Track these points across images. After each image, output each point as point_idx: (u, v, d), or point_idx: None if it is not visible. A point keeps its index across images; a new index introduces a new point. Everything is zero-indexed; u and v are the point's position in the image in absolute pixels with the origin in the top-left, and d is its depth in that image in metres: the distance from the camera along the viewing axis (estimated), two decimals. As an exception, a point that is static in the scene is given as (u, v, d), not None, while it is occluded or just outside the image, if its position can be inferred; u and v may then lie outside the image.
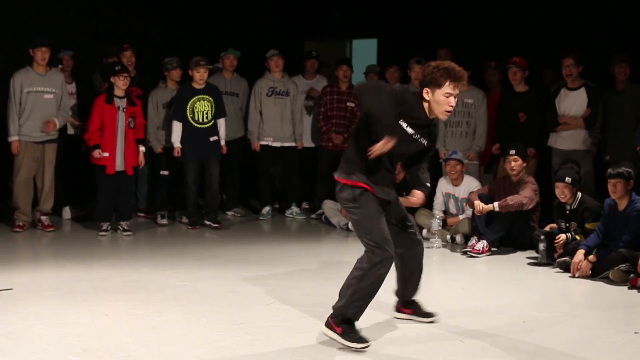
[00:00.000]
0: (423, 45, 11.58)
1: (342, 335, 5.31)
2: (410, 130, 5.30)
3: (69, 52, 10.35)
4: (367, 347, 5.27)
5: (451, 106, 5.31)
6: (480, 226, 8.81)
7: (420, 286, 5.93)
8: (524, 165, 8.93)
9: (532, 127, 9.67)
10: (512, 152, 8.90)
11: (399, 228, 5.64)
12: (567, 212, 8.27)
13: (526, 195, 8.68)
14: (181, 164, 10.07)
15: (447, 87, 5.26)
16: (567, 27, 11.02)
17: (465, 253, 8.68)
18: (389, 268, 5.37)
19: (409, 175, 5.73)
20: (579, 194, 8.24)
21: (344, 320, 5.34)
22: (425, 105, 5.35)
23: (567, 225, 8.24)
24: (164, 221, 10.12)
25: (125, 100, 9.29)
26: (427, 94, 5.31)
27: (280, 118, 10.56)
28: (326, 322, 5.41)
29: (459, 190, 9.47)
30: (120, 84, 9.20)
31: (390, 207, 5.55)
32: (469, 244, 8.78)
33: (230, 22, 12.94)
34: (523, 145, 9.10)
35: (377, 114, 5.18)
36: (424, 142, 5.43)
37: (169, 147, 10.01)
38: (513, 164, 8.86)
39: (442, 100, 5.28)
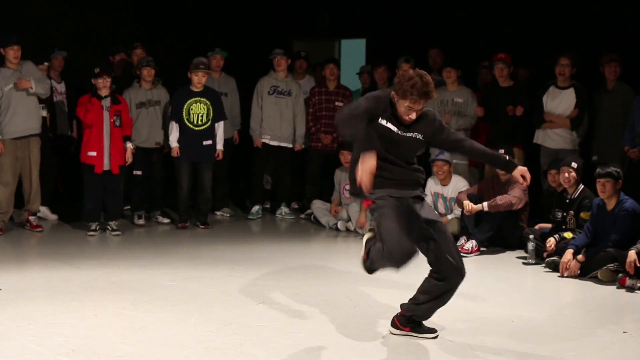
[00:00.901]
0: (412, 45, 11.59)
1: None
2: (392, 126, 5.34)
3: (62, 53, 10.34)
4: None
5: (410, 118, 5.30)
6: (470, 226, 8.82)
7: (428, 315, 5.65)
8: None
9: (520, 121, 9.69)
10: (501, 151, 8.92)
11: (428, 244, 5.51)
12: (567, 200, 8.27)
13: (515, 195, 8.70)
14: (156, 163, 10.12)
15: (409, 101, 5.25)
16: (556, 26, 11.02)
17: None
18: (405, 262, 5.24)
19: (483, 160, 5.71)
20: (582, 185, 8.24)
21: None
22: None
23: (564, 214, 8.25)
24: (141, 221, 10.10)
25: (109, 99, 9.29)
26: (394, 97, 5.34)
27: (279, 117, 10.54)
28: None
29: (447, 190, 9.48)
30: (101, 86, 9.22)
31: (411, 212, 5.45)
32: (458, 243, 8.77)
33: (218, 22, 12.92)
34: (511, 145, 9.13)
35: (353, 140, 5.28)
36: (418, 136, 5.40)
37: (142, 147, 9.99)
38: None
39: (402, 110, 5.30)
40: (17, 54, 9.12)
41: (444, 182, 9.47)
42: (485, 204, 8.71)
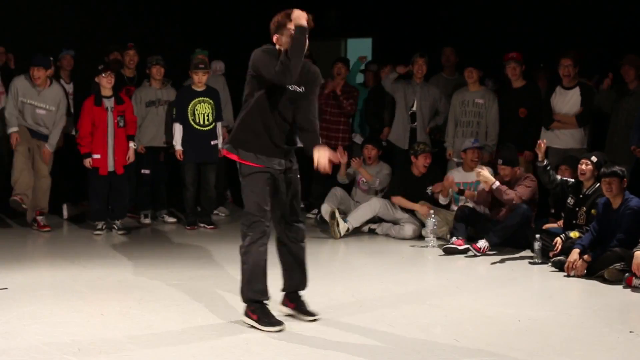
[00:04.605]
0: (418, 45, 11.57)
1: (258, 321, 5.61)
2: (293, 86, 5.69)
3: (70, 52, 10.35)
4: (282, 329, 5.56)
5: (291, 31, 5.63)
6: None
7: (306, 280, 6.04)
8: (516, 169, 8.97)
9: (531, 122, 9.67)
10: (500, 162, 8.97)
11: (284, 212, 5.85)
12: (581, 195, 8.24)
13: (520, 196, 8.70)
14: (163, 163, 10.15)
15: (292, 25, 5.62)
16: (565, 25, 10.98)
17: (467, 250, 8.65)
18: (266, 242, 5.64)
19: (302, 138, 6.00)
20: (599, 184, 8.19)
21: (254, 304, 5.66)
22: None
23: (577, 208, 8.22)
24: (147, 220, 10.15)
25: (112, 99, 9.32)
26: (277, 40, 5.67)
27: None
28: (244, 312, 5.72)
29: (473, 175, 9.45)
30: (104, 83, 9.23)
31: (284, 179, 5.83)
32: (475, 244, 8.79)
33: (223, 22, 12.92)
34: (513, 149, 9.11)
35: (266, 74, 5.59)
36: (302, 89, 5.76)
37: (149, 145, 10.02)
38: (502, 173, 8.94)
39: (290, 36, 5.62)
40: (39, 74, 9.20)
41: (471, 170, 9.48)
42: (497, 183, 8.71)
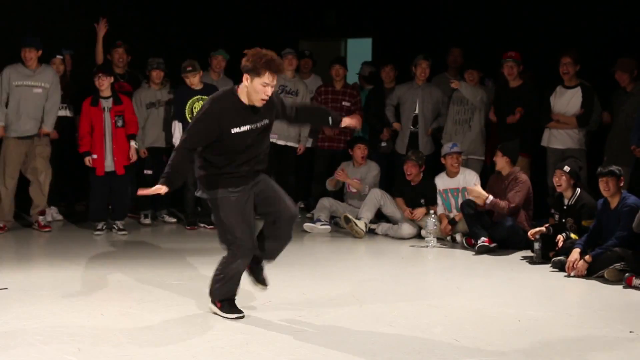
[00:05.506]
0: (418, 45, 11.57)
1: (221, 309, 5.87)
2: (245, 128, 5.60)
3: (69, 52, 10.35)
4: (241, 317, 5.83)
5: (267, 95, 5.56)
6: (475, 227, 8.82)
7: (274, 255, 6.13)
8: (508, 160, 8.97)
9: (528, 122, 9.67)
10: (499, 145, 9.01)
11: (268, 204, 5.87)
12: (565, 207, 8.26)
13: (510, 203, 8.72)
14: (165, 163, 10.13)
15: (266, 78, 5.50)
16: (565, 26, 10.97)
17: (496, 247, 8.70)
18: (247, 263, 5.86)
19: (312, 122, 6.25)
20: (578, 190, 8.21)
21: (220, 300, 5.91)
22: (244, 90, 5.61)
23: (563, 220, 8.23)
24: (147, 221, 10.14)
25: (110, 100, 9.32)
26: (247, 80, 5.56)
27: None
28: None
29: (457, 181, 9.44)
30: (97, 85, 9.24)
31: (257, 186, 5.81)
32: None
33: (224, 21, 12.92)
34: (517, 144, 9.12)
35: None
36: (266, 121, 5.72)
37: (152, 146, 10.02)
38: (495, 159, 8.99)
39: (259, 89, 5.54)
40: (30, 55, 9.16)
41: (455, 174, 9.47)
42: (490, 198, 8.71)
